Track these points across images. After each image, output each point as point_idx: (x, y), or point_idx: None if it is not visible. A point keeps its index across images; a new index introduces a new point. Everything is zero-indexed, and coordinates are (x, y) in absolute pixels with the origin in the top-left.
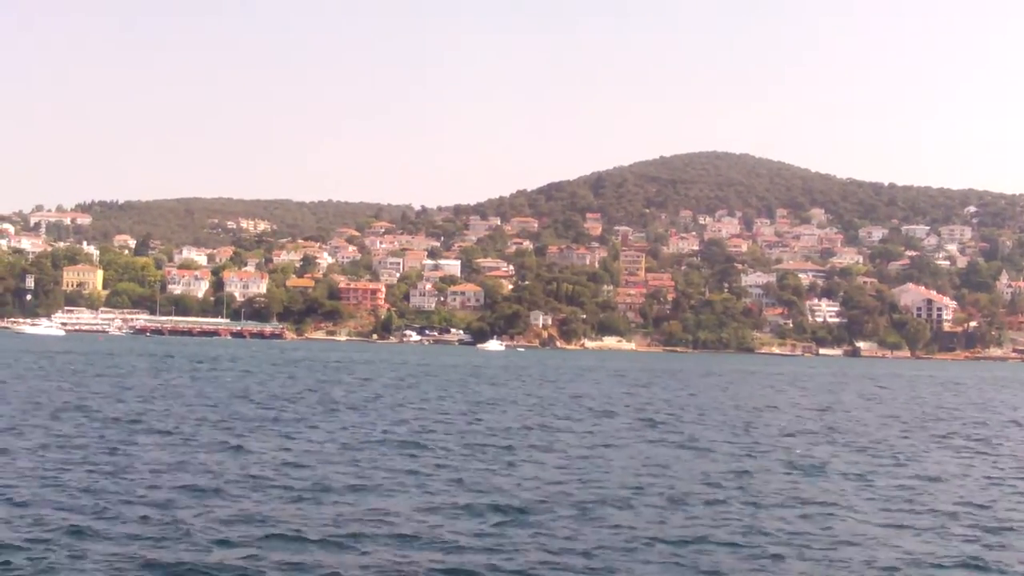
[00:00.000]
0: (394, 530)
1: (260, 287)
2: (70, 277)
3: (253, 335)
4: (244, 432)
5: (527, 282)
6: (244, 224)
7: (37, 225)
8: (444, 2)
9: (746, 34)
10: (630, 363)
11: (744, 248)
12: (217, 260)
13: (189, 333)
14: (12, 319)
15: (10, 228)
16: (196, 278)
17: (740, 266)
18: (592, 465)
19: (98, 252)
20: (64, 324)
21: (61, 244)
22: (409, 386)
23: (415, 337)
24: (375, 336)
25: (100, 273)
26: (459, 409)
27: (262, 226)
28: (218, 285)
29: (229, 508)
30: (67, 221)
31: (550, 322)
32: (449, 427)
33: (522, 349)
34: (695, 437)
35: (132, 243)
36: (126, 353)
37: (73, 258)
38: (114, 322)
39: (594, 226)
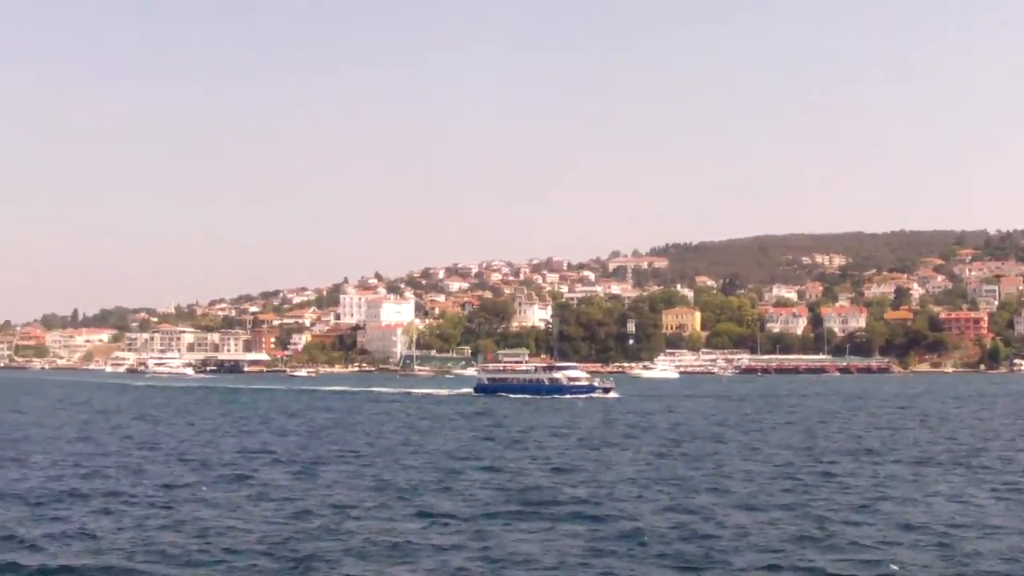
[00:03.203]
0: None
1: (859, 322)
2: (669, 320)
3: (859, 370)
4: None
5: None
6: (819, 259)
7: (618, 270)
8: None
9: None
10: None
11: None
12: (807, 296)
13: (794, 371)
14: (617, 364)
15: (590, 275)
16: (794, 315)
17: None
18: None
19: (692, 294)
20: (677, 366)
21: (655, 288)
22: None
23: None
24: (982, 367)
25: (698, 314)
26: None
27: (837, 260)
28: (815, 321)
29: None
30: (644, 265)
31: None
32: None
33: None
34: None
35: (710, 283)
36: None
37: (669, 300)
38: (717, 362)
39: None
